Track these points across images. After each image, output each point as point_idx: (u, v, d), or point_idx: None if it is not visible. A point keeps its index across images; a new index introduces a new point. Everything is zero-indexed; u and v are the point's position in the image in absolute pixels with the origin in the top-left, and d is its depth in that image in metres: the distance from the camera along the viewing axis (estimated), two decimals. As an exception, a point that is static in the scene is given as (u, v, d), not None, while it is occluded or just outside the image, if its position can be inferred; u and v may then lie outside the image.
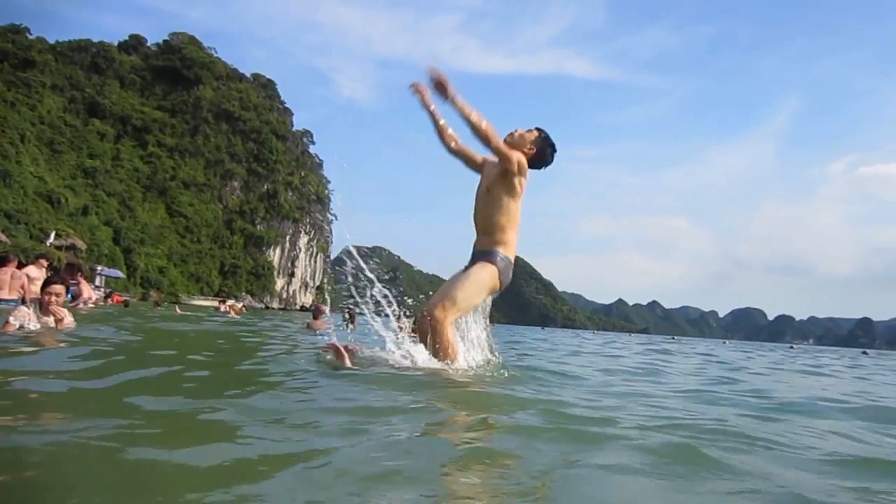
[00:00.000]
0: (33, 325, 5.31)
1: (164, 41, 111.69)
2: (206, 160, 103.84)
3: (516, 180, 4.08)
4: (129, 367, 3.57)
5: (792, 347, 49.19)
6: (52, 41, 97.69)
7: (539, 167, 4.32)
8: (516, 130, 4.28)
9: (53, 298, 5.48)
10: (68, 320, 5.65)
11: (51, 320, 5.49)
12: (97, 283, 46.02)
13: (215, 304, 45.43)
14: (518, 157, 4.05)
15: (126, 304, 26.38)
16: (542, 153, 4.28)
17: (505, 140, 4.12)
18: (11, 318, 5.32)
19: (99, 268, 52.56)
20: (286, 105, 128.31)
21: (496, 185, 4.14)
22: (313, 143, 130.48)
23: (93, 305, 16.64)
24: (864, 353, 41.45)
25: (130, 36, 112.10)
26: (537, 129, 4.29)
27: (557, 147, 4.33)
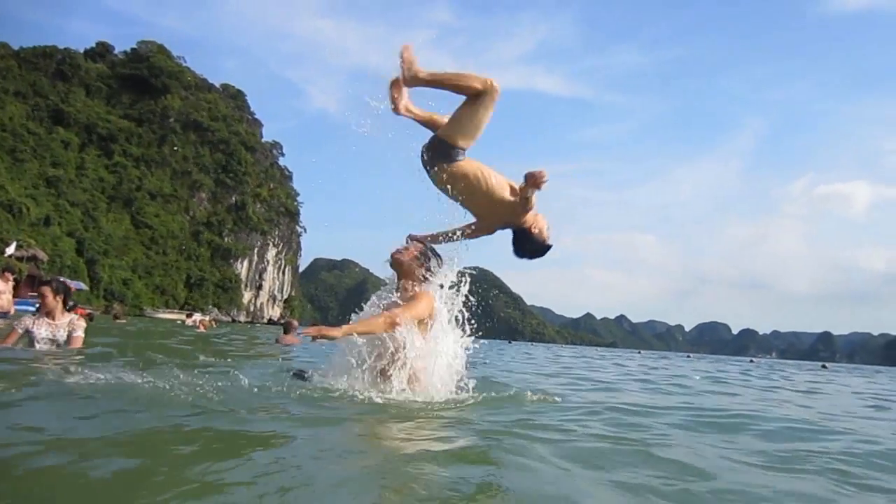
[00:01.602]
0: (37, 328, 5.53)
1: (132, 49, 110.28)
2: (172, 171, 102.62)
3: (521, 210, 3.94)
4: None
5: (752, 361, 50.00)
6: (15, 47, 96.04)
7: (517, 243, 4.13)
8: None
9: (40, 301, 5.67)
10: (78, 334, 5.71)
11: (57, 323, 5.63)
12: (59, 294, 45.07)
13: (181, 317, 44.99)
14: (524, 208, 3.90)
15: (91, 317, 25.99)
16: (535, 241, 4.09)
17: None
18: (16, 324, 5.60)
19: (61, 280, 51.51)
20: (256, 116, 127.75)
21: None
22: (283, 154, 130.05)
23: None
24: (824, 366, 41.67)
25: (97, 43, 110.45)
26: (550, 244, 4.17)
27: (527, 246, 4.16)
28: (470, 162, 3.89)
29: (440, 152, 3.85)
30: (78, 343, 5.68)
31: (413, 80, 3.91)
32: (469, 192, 3.89)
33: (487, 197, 3.89)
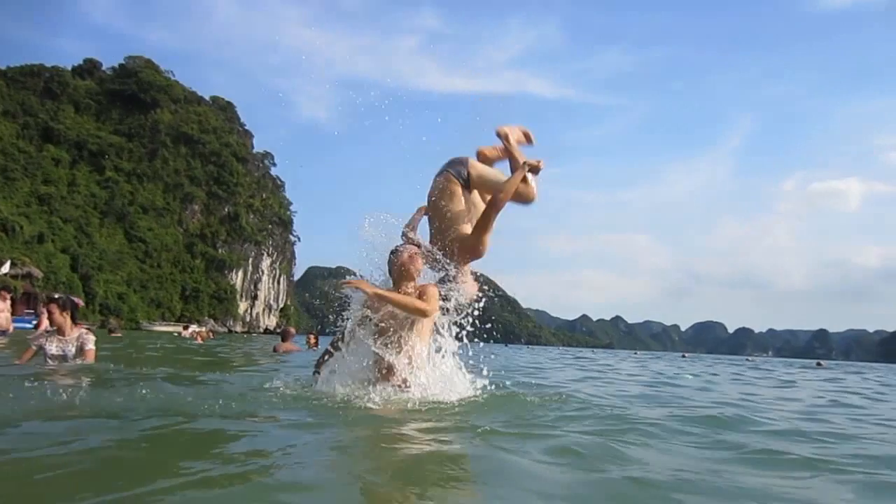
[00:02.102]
0: (48, 345, 5.73)
1: (120, 65, 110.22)
2: (164, 184, 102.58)
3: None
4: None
5: (748, 360, 50.38)
6: (2, 66, 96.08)
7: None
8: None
9: (49, 318, 5.84)
10: (89, 347, 5.83)
11: (66, 338, 5.79)
12: (55, 311, 45.09)
13: (178, 329, 45.05)
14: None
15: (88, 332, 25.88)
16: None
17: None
18: (31, 342, 5.86)
19: (66, 295, 51.58)
20: (246, 127, 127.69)
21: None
22: (274, 164, 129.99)
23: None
24: (819, 364, 40.90)
25: (85, 60, 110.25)
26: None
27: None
28: (465, 192, 4.30)
29: (455, 168, 4.33)
30: (90, 356, 5.81)
31: (503, 137, 4.56)
32: (444, 208, 4.27)
33: (451, 219, 4.26)
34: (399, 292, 4.10)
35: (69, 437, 2.67)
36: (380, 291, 3.91)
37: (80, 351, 5.78)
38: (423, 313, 3.93)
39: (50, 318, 5.82)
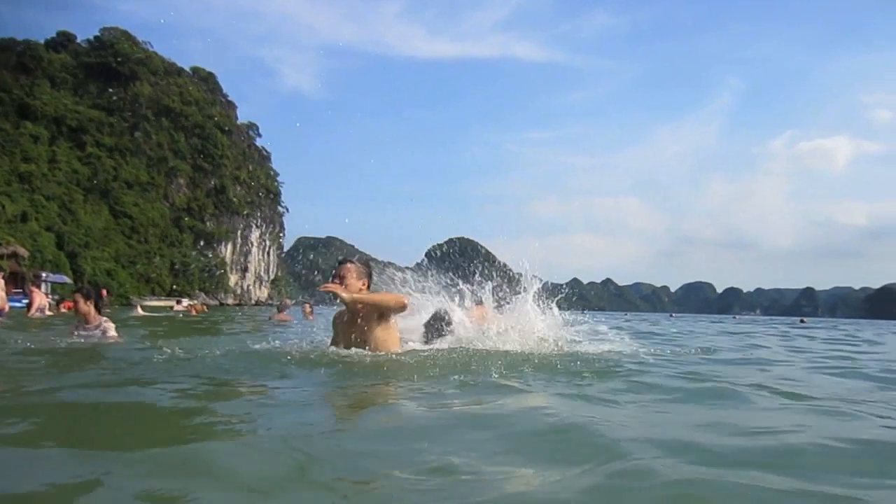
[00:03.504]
0: (76, 332, 5.93)
1: (96, 37, 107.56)
2: (148, 158, 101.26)
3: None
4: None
5: (734, 318, 51.18)
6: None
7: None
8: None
9: (74, 308, 6.04)
10: (111, 334, 5.95)
11: (88, 325, 5.94)
12: (44, 290, 44.94)
13: (170, 304, 44.99)
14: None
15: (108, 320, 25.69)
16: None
17: None
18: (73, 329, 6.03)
19: (44, 274, 51.33)
20: (229, 98, 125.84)
21: None
22: (259, 135, 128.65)
23: (51, 313, 16.50)
24: (802, 321, 40.82)
25: (58, 33, 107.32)
26: None
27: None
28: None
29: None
30: (113, 341, 5.93)
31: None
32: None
33: None
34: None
35: (100, 396, 2.94)
36: (356, 296, 4.21)
37: (103, 339, 5.93)
38: (402, 302, 4.38)
39: (75, 307, 5.99)
